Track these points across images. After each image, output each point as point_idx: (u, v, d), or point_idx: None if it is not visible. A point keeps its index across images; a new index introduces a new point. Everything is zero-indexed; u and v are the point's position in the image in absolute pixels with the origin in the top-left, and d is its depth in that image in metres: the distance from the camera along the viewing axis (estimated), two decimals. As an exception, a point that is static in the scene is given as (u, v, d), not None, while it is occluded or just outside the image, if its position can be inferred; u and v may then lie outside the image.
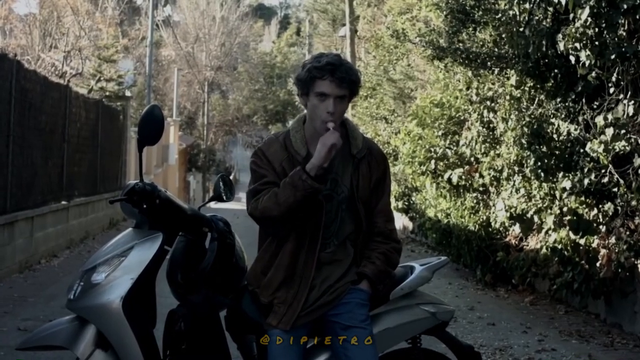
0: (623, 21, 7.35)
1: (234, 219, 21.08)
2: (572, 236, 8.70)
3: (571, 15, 7.49)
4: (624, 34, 7.44)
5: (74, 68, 21.88)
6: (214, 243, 4.05)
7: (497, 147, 10.64)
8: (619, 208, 8.15)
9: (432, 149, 12.13)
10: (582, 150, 8.16)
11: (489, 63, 9.70)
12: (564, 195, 8.66)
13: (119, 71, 24.08)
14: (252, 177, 3.75)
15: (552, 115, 8.85)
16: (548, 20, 8.27)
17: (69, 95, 14.14)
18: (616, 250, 8.16)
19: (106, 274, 3.72)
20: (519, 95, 9.54)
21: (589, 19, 7.26)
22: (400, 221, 19.31)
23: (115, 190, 17.66)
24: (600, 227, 8.60)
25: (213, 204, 4.82)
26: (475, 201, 11.56)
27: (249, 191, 3.70)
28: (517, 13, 8.46)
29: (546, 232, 9.39)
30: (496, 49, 9.65)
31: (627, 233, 8.17)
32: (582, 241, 8.67)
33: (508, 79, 9.58)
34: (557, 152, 8.71)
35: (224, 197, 4.50)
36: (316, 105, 3.60)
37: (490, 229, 11.05)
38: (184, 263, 4.05)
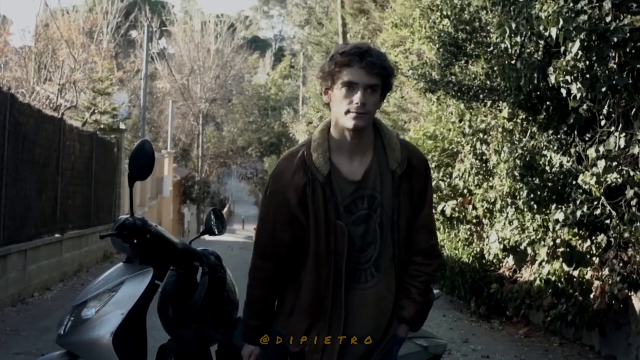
0: (614, 54, 7.41)
1: (228, 251, 21.11)
2: (566, 268, 8.70)
3: (562, 49, 7.55)
4: (615, 67, 7.49)
5: (68, 101, 21.91)
6: (206, 277, 4.05)
7: (490, 179, 10.66)
8: (612, 240, 8.16)
9: (426, 181, 12.12)
10: (574, 183, 8.19)
11: (481, 96, 9.76)
12: (557, 227, 8.67)
13: (113, 104, 24.13)
14: (261, 209, 3.45)
15: (544, 148, 8.88)
16: (539, 53, 8.33)
17: (63, 128, 14.13)
18: (610, 282, 8.16)
19: (97, 310, 3.70)
20: (511, 127, 9.59)
21: (580, 52, 7.32)
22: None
23: (109, 223, 17.61)
24: (594, 259, 8.61)
25: (208, 237, 4.81)
26: (469, 233, 11.57)
27: (255, 238, 3.39)
28: (509, 46, 8.51)
29: (540, 264, 9.38)
30: (488, 82, 9.71)
31: (621, 265, 8.18)
32: (575, 273, 8.67)
33: (500, 111, 9.63)
34: (549, 185, 8.73)
35: (216, 231, 4.50)
36: (343, 97, 3.11)
37: (484, 261, 11.05)
38: (176, 297, 4.04)
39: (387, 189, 3.22)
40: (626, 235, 7.76)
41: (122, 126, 24.02)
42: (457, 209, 11.53)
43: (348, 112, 3.10)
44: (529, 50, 8.41)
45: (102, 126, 21.73)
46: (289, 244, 3.28)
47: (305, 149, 3.25)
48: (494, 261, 10.77)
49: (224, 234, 4.68)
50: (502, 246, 10.12)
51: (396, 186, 3.22)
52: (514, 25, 8.29)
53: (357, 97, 3.07)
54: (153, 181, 30.19)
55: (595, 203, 7.98)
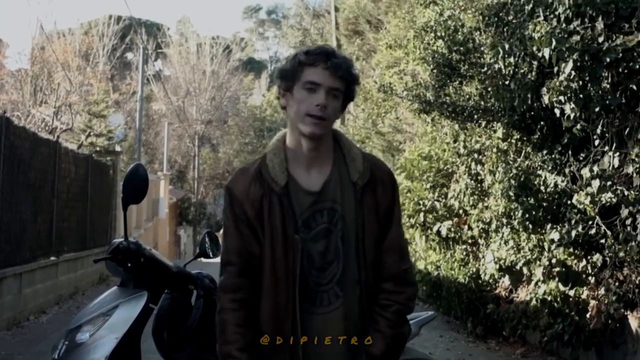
0: (606, 74, 7.44)
1: (224, 273, 21.14)
2: (562, 287, 8.69)
3: (555, 69, 7.58)
4: (608, 86, 7.53)
5: (64, 123, 21.95)
6: (200, 300, 4.06)
7: (485, 199, 10.67)
8: (607, 259, 8.15)
9: (421, 202, 12.15)
10: (569, 202, 8.19)
11: (475, 116, 9.78)
12: (552, 246, 8.66)
13: (109, 126, 24.17)
14: (223, 222, 3.09)
15: (538, 167, 8.90)
16: (533, 73, 8.36)
17: (58, 151, 14.15)
18: (605, 302, 8.15)
19: (90, 334, 3.70)
20: (505, 147, 9.61)
21: (573, 72, 7.35)
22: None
23: (104, 245, 17.57)
24: (589, 278, 8.60)
25: (203, 259, 4.82)
26: (464, 253, 11.56)
27: (222, 254, 3.04)
28: (503, 67, 8.54)
29: (535, 284, 9.37)
30: (482, 102, 9.73)
31: (616, 284, 8.17)
32: (571, 292, 8.66)
33: (495, 131, 9.65)
34: (544, 204, 8.73)
35: (210, 254, 4.51)
36: (302, 98, 2.87)
37: (480, 281, 11.04)
38: (170, 320, 4.04)
39: (349, 201, 2.95)
40: (621, 254, 7.76)
41: (118, 148, 24.07)
42: (452, 229, 11.52)
43: (307, 114, 2.86)
44: (522, 71, 8.44)
45: (98, 148, 21.78)
46: (259, 260, 2.94)
47: (260, 160, 3.03)
48: (490, 281, 10.76)
49: (218, 256, 4.68)
50: (497, 266, 10.11)
51: (358, 198, 2.95)
52: (507, 46, 8.33)
53: (319, 98, 2.84)
54: (149, 203, 30.18)
55: (590, 222, 7.99)
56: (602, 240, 8.00)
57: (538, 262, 9.29)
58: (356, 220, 2.94)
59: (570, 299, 8.70)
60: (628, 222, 7.56)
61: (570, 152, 8.27)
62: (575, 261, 8.74)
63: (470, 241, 11.47)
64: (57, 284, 14.10)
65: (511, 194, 9.11)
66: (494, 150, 9.83)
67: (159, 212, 33.38)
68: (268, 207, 2.90)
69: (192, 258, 4.77)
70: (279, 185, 2.90)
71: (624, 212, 7.50)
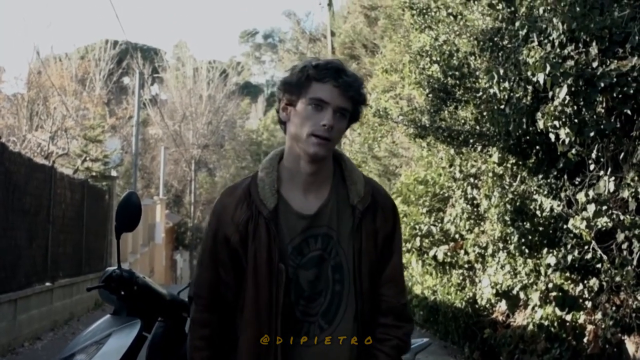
0: (601, 99, 7.46)
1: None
2: (558, 312, 8.66)
3: (550, 94, 7.60)
4: (602, 111, 7.54)
5: (60, 148, 21.96)
6: (194, 328, 4.02)
7: (482, 223, 10.66)
8: (604, 283, 8.14)
9: (417, 227, 12.13)
10: (565, 227, 8.19)
11: (471, 141, 9.78)
12: (549, 271, 8.64)
13: (105, 151, 24.18)
14: (199, 250, 2.94)
15: (534, 192, 8.89)
16: (528, 98, 8.38)
17: (54, 176, 14.15)
18: (602, 326, 8.12)
19: (83, 363, 3.67)
20: (501, 172, 9.61)
21: (567, 97, 7.36)
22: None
23: (100, 271, 17.50)
24: (586, 302, 8.58)
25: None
26: (461, 278, 11.54)
27: (191, 285, 2.92)
28: (497, 91, 8.56)
29: (532, 309, 9.34)
30: (478, 127, 9.74)
31: (613, 309, 8.14)
32: (568, 317, 8.63)
33: (490, 156, 9.66)
34: (540, 229, 8.72)
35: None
36: (307, 115, 2.67)
37: (476, 306, 11.01)
38: (163, 348, 4.02)
39: (346, 226, 2.77)
40: (617, 278, 7.74)
41: (114, 173, 24.06)
42: (448, 254, 11.50)
43: (311, 134, 2.66)
44: (517, 95, 8.46)
45: (94, 173, 21.77)
46: (234, 292, 2.78)
47: (250, 179, 2.84)
48: (487, 306, 10.73)
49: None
50: (494, 291, 10.09)
51: (356, 223, 2.77)
52: (501, 71, 8.35)
53: (326, 118, 2.64)
54: (145, 228, 30.12)
55: (586, 247, 7.98)
56: (599, 265, 7.99)
57: (535, 287, 9.27)
58: (353, 247, 2.76)
59: (567, 324, 8.68)
60: (624, 246, 7.55)
61: (565, 176, 8.27)
62: (572, 286, 8.72)
63: (466, 266, 11.46)
64: (52, 310, 14.04)
65: (507, 218, 9.10)
66: (490, 174, 9.83)
67: (155, 236, 33.31)
68: (253, 232, 2.72)
69: (186, 285, 4.75)
70: (267, 208, 2.72)
71: (620, 237, 7.50)
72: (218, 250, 2.77)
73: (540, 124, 7.73)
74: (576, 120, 7.46)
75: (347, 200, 2.80)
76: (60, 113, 23.25)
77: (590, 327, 8.44)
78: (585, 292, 8.52)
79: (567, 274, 8.61)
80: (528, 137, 8.65)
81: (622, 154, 7.65)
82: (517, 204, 8.98)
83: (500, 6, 9.12)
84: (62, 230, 14.97)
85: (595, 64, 7.42)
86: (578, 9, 7.54)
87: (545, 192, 8.65)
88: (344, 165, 2.87)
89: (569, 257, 8.07)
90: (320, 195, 2.79)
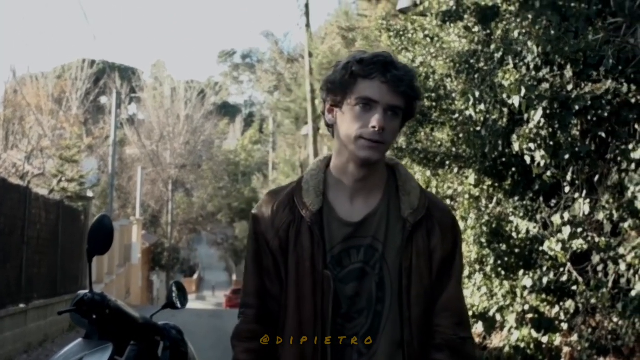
0: (575, 122, 7.52)
1: (197, 319, 20.85)
2: (535, 334, 8.67)
3: (525, 116, 7.64)
4: (577, 134, 7.60)
5: (36, 167, 21.83)
6: (167, 352, 3.99)
7: (458, 245, 10.67)
8: (580, 305, 8.17)
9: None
10: (540, 249, 8.22)
11: (447, 162, 9.81)
12: (525, 293, 8.67)
13: (80, 171, 24.04)
14: (245, 263, 2.69)
15: (510, 214, 8.92)
16: (504, 120, 8.43)
17: (28, 197, 14.03)
18: (579, 348, 8.15)
19: (53, 388, 3.62)
20: (477, 194, 9.64)
21: (543, 120, 7.42)
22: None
23: (76, 292, 17.28)
24: (562, 324, 8.60)
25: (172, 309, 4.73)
26: (438, 299, 11.54)
27: (241, 295, 2.67)
28: (473, 114, 8.60)
29: (509, 331, 9.35)
30: (454, 149, 9.78)
31: (589, 330, 8.17)
32: (544, 339, 8.64)
33: (467, 178, 9.69)
34: (516, 251, 8.75)
35: (178, 305, 4.44)
36: (355, 117, 2.39)
37: (453, 328, 10.99)
38: (136, 373, 3.96)
39: (394, 240, 2.46)
40: (593, 300, 7.78)
41: (90, 194, 23.92)
42: (425, 275, 11.50)
43: (360, 137, 2.38)
44: (493, 118, 8.51)
45: (69, 194, 21.61)
46: (279, 305, 2.55)
47: (295, 183, 2.60)
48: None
49: (186, 306, 4.61)
50: (471, 312, 10.08)
51: (406, 238, 2.45)
52: (477, 93, 8.39)
53: (376, 119, 2.35)
54: (121, 248, 29.96)
55: (562, 269, 8.01)
56: (574, 287, 8.03)
57: (511, 309, 9.28)
58: (401, 264, 2.44)
59: (544, 346, 8.69)
60: (599, 268, 7.60)
61: (541, 198, 8.32)
62: (548, 308, 8.75)
63: (443, 287, 11.46)
64: (25, 332, 13.88)
65: (483, 240, 9.12)
66: (466, 196, 9.86)
67: (131, 257, 33.13)
68: (295, 237, 2.48)
69: (160, 309, 4.70)
70: (310, 211, 2.47)
71: (595, 259, 7.54)
72: (261, 257, 2.55)
73: (516, 146, 7.77)
74: (551, 143, 7.51)
75: (399, 212, 2.48)
76: (37, 132, 23.12)
77: (566, 349, 8.46)
78: (562, 314, 8.54)
79: (543, 296, 8.63)
80: (504, 159, 8.70)
81: (597, 177, 7.71)
82: (494, 225, 9.00)
83: (476, 29, 9.19)
84: (36, 251, 14.84)
85: (570, 87, 7.48)
86: (553, 32, 7.61)
87: (521, 214, 8.68)
88: (398, 174, 2.55)
89: (545, 279, 8.10)
90: (369, 203, 2.50)
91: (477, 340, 10.63)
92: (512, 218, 8.86)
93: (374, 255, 2.46)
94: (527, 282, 8.34)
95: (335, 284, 2.45)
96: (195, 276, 61.13)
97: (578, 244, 7.54)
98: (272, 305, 2.54)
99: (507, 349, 9.37)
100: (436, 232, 2.49)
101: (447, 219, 2.56)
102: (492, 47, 8.45)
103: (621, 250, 7.28)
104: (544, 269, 8.22)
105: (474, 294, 9.92)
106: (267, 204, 2.58)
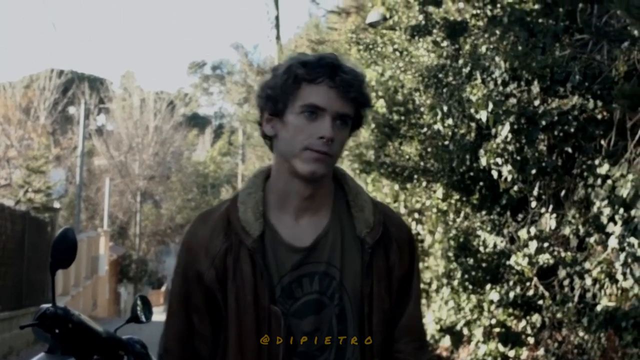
0: (542, 137, 7.57)
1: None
2: (501, 348, 8.69)
3: (493, 131, 7.68)
4: (544, 149, 7.65)
5: (2, 178, 21.64)
6: (131, 366, 3.95)
7: (426, 259, 10.70)
8: (546, 320, 8.21)
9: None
10: (507, 263, 8.25)
11: (415, 176, 9.84)
12: (492, 307, 8.69)
13: (47, 182, 23.86)
14: (169, 293, 2.36)
15: (478, 228, 8.96)
16: (471, 135, 8.47)
17: (-6, 208, 13.90)
18: (545, 363, 8.18)
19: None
20: (445, 208, 9.67)
21: (510, 134, 7.46)
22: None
23: (42, 304, 17.20)
24: (529, 338, 8.63)
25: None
26: (405, 313, 11.55)
27: (160, 337, 2.33)
28: (441, 128, 8.63)
29: (476, 344, 9.37)
30: (422, 163, 9.81)
31: (555, 345, 8.21)
32: (511, 353, 8.67)
33: (434, 192, 9.72)
34: (483, 265, 8.78)
35: (142, 319, 4.40)
36: (299, 126, 2.10)
37: (420, 341, 11.00)
38: (99, 388, 3.92)
39: (352, 265, 2.19)
40: (559, 315, 7.82)
41: (57, 205, 23.76)
42: (393, 289, 11.52)
43: (306, 148, 2.09)
44: (461, 132, 8.54)
45: (36, 205, 21.45)
46: (211, 346, 2.24)
47: (229, 202, 2.27)
48: (431, 341, 10.73)
49: (152, 320, 4.57)
50: (438, 326, 10.11)
51: (366, 262, 2.18)
52: (445, 108, 8.42)
53: (325, 129, 2.07)
54: (88, 260, 29.70)
55: (528, 283, 8.06)
56: (541, 301, 8.07)
57: (478, 323, 9.30)
58: (362, 291, 2.18)
59: (510, 360, 8.72)
60: (565, 283, 7.64)
61: (508, 213, 8.37)
62: (514, 322, 8.78)
63: (411, 301, 11.47)
64: (-11, 344, 13.73)
65: (451, 254, 9.15)
66: (434, 210, 9.89)
67: (98, 269, 32.83)
68: (233, 266, 2.15)
69: (123, 323, 4.66)
70: (251, 237, 2.14)
71: (562, 273, 7.58)
72: (190, 293, 2.21)
73: (483, 161, 7.81)
74: (518, 158, 7.55)
75: (353, 232, 2.21)
76: (3, 143, 22.92)
77: (532, 363, 8.49)
78: (528, 328, 8.58)
79: (510, 310, 8.66)
80: (472, 174, 8.74)
81: (564, 192, 7.77)
82: (461, 239, 9.03)
83: (444, 43, 9.24)
84: (1, 263, 14.68)
85: (537, 103, 7.54)
86: (520, 48, 7.66)
87: (489, 229, 8.72)
88: (347, 187, 2.28)
89: (512, 294, 8.14)
90: (317, 223, 2.21)
91: (444, 354, 10.65)
92: (479, 232, 8.89)
93: (331, 284, 2.17)
94: (494, 296, 8.37)
95: (288, 319, 2.14)
96: (163, 288, 60.69)
97: (544, 258, 7.58)
98: (201, 349, 2.23)
99: (474, 362, 9.41)
100: (393, 249, 2.25)
101: (404, 233, 2.32)
102: (460, 61, 8.50)
103: (587, 265, 7.32)
104: (511, 283, 8.26)
105: (442, 307, 9.94)
106: (199, 228, 2.25)
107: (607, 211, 6.81)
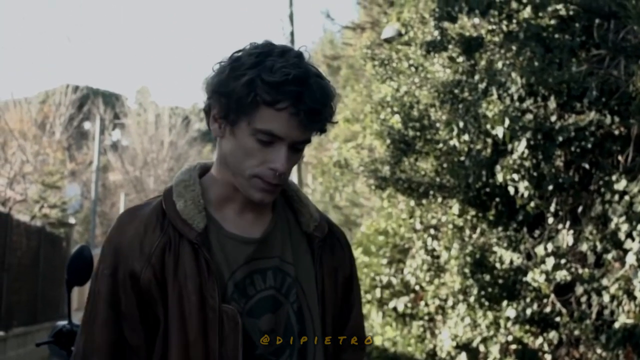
0: (559, 153, 7.53)
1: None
2: (518, 366, 8.64)
3: (509, 147, 7.65)
4: (561, 165, 7.62)
5: (18, 193, 21.71)
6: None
7: (442, 275, 10.64)
8: (564, 337, 8.15)
9: (377, 277, 12.10)
10: (524, 280, 8.20)
11: (431, 192, 9.80)
12: (509, 324, 8.64)
13: (63, 197, 23.93)
14: (86, 304, 2.00)
15: (494, 244, 8.91)
16: (487, 151, 8.43)
17: (9, 223, 13.94)
18: (562, 380, 8.12)
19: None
20: (461, 224, 9.63)
21: (526, 150, 7.42)
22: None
23: (56, 319, 17.23)
24: (546, 356, 8.57)
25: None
26: (421, 330, 11.49)
27: (75, 353, 1.98)
28: (457, 144, 8.61)
29: (492, 361, 9.32)
30: (438, 179, 9.76)
31: (572, 362, 8.15)
32: (528, 370, 8.61)
33: (450, 207, 9.68)
34: (500, 281, 8.72)
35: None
36: (251, 150, 1.88)
37: (436, 358, 10.95)
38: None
39: (303, 260, 2.04)
40: (576, 332, 7.76)
41: (72, 220, 23.80)
42: (409, 305, 11.46)
43: (254, 176, 1.90)
44: (477, 148, 8.51)
45: (51, 220, 21.50)
46: (148, 358, 1.94)
47: (160, 197, 2.05)
48: (447, 358, 10.66)
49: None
50: (454, 343, 10.04)
51: (317, 258, 2.05)
52: (461, 123, 8.39)
53: (278, 161, 1.87)
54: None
55: (545, 300, 8.00)
56: (558, 318, 8.01)
57: (495, 340, 9.24)
58: (316, 287, 2.04)
59: (527, 377, 8.65)
60: (583, 299, 7.58)
61: (525, 229, 8.32)
62: (531, 339, 8.72)
63: (426, 317, 11.42)
64: (5, 360, 13.74)
65: (467, 270, 9.09)
66: (450, 226, 9.85)
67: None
68: (174, 264, 1.90)
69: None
70: (193, 229, 1.91)
71: (579, 290, 7.52)
72: (119, 298, 1.91)
73: (500, 177, 7.77)
74: (535, 174, 7.52)
75: (299, 227, 2.08)
76: (19, 158, 23.00)
77: (550, 381, 8.43)
78: (545, 345, 8.51)
79: (527, 327, 8.60)
80: (488, 190, 8.69)
81: (581, 208, 7.72)
82: (477, 256, 8.98)
83: (460, 59, 9.22)
84: (16, 278, 14.71)
85: (553, 118, 7.50)
86: (537, 63, 7.63)
87: (505, 245, 8.67)
88: (286, 186, 2.14)
89: (529, 310, 8.08)
90: (262, 217, 2.04)
91: (460, 371, 10.59)
92: (495, 248, 8.84)
93: (285, 279, 1.99)
94: (511, 312, 8.31)
95: (244, 319, 1.91)
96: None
97: (561, 275, 7.53)
98: None
99: (490, 380, 9.34)
100: (338, 249, 2.13)
101: (344, 236, 2.21)
102: (476, 77, 8.47)
103: (604, 282, 7.27)
104: (528, 299, 8.20)
105: (458, 324, 9.88)
106: (127, 224, 1.97)
107: (624, 227, 6.77)
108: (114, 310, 1.92)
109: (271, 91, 1.81)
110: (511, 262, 8.53)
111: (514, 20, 8.38)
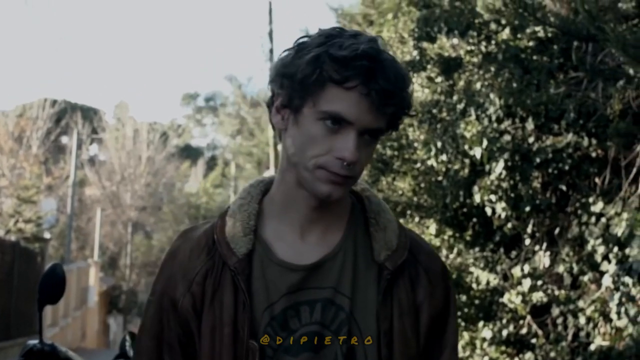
0: (537, 174, 7.56)
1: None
2: (494, 387, 8.62)
3: (487, 168, 7.66)
4: (538, 186, 7.64)
5: (-8, 207, 21.58)
6: (118, 404, 3.90)
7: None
8: (539, 358, 8.13)
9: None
10: (500, 301, 8.21)
11: (408, 212, 9.79)
12: (485, 345, 8.62)
13: (38, 212, 23.77)
14: (140, 325, 1.87)
15: (471, 265, 8.91)
16: (465, 171, 8.44)
17: (-17, 238, 13.82)
18: (537, 402, 8.10)
19: None
20: (438, 244, 9.61)
21: (504, 171, 7.44)
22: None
23: (31, 335, 17.07)
24: (521, 377, 8.56)
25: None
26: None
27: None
28: (435, 164, 8.61)
29: (468, 382, 9.30)
30: (415, 198, 9.76)
31: (548, 384, 8.14)
32: (503, 392, 8.60)
33: (427, 227, 9.67)
34: (476, 302, 8.72)
35: (131, 355, 4.33)
36: (317, 136, 1.64)
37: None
38: None
39: (366, 294, 1.73)
40: (552, 354, 7.75)
41: (47, 235, 23.63)
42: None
43: (320, 167, 1.65)
44: (454, 168, 8.52)
45: (26, 235, 21.35)
46: None
47: (217, 218, 1.83)
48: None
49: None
50: (430, 363, 10.01)
51: (382, 291, 1.71)
52: (439, 144, 8.40)
53: (347, 149, 1.62)
54: (78, 291, 29.52)
55: (521, 321, 8.00)
56: (534, 340, 8.01)
57: (470, 360, 9.24)
58: (378, 326, 1.71)
59: (502, 399, 8.64)
60: (559, 321, 7.60)
61: (502, 250, 8.33)
62: (507, 359, 8.71)
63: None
64: (-24, 376, 13.57)
65: (443, 291, 9.07)
66: (427, 246, 9.83)
67: (88, 300, 32.62)
68: (212, 292, 1.72)
69: (115, 357, 4.60)
70: (235, 255, 1.71)
71: (555, 312, 7.54)
72: (163, 326, 1.78)
73: (477, 198, 7.79)
74: (512, 195, 7.54)
75: (371, 255, 1.75)
76: (-5, 172, 22.88)
77: (525, 402, 8.41)
78: (521, 366, 8.51)
79: (503, 348, 8.58)
80: (465, 210, 8.70)
81: (558, 229, 7.74)
82: (454, 276, 8.96)
83: (439, 79, 9.24)
84: (-11, 294, 14.59)
85: (531, 140, 7.53)
86: (515, 84, 7.67)
87: (482, 265, 8.67)
88: (367, 203, 1.82)
89: (505, 331, 8.08)
90: (326, 241, 1.76)
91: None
92: (472, 269, 8.84)
93: (337, 314, 1.71)
94: (487, 333, 8.30)
95: (277, 356, 1.70)
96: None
97: (538, 296, 7.54)
98: None
99: (466, 400, 9.32)
100: (422, 281, 1.77)
101: (436, 264, 1.83)
102: (455, 97, 8.50)
103: (581, 304, 7.29)
104: (504, 320, 8.20)
105: (434, 344, 9.85)
106: (179, 247, 1.83)
107: (601, 249, 6.80)
108: (157, 340, 1.79)
109: (339, 68, 1.60)
110: (488, 282, 8.53)
111: (493, 42, 8.42)
